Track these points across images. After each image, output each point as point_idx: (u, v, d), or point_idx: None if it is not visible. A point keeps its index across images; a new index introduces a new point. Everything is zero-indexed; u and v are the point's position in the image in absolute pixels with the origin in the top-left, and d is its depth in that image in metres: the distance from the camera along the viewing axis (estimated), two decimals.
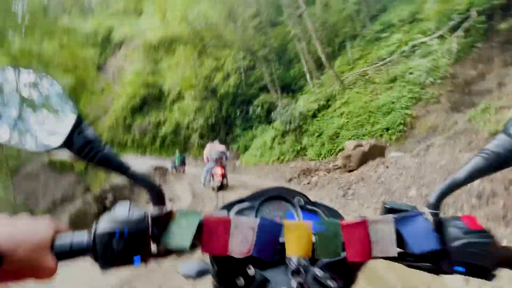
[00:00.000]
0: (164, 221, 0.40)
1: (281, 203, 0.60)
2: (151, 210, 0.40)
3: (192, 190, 6.76)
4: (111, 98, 23.62)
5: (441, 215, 0.40)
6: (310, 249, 0.39)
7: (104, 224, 0.36)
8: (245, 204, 0.59)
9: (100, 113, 23.68)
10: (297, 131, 10.52)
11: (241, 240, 0.39)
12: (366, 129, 7.99)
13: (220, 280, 0.48)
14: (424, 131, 6.94)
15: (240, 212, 0.58)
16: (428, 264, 0.41)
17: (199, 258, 0.62)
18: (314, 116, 10.35)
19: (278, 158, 10.34)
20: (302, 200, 0.60)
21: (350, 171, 5.65)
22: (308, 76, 13.05)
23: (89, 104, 24.24)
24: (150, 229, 0.38)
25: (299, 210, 0.58)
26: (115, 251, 0.35)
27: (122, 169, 0.39)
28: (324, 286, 0.43)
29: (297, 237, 0.40)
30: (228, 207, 0.58)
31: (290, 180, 6.69)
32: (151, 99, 21.64)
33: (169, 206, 0.41)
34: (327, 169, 6.48)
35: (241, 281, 0.44)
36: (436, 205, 0.40)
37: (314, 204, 0.61)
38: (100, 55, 29.68)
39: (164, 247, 0.39)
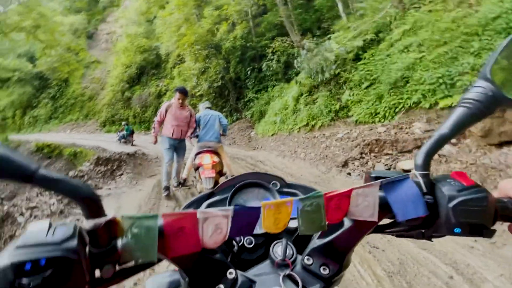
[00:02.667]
0: (105, 234, 0.29)
1: (256, 190, 0.53)
2: (85, 224, 0.28)
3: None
4: (106, 71, 20.98)
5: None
6: (286, 224, 0.35)
7: (7, 256, 0.24)
8: (215, 198, 0.52)
9: (97, 89, 21.29)
10: (332, 83, 7.31)
11: (214, 231, 0.33)
12: (463, 63, 4.65)
13: None
14: None
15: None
16: (421, 230, 0.38)
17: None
18: (357, 59, 7.00)
19: (307, 124, 7.34)
20: (278, 183, 0.55)
21: None
22: (340, 6, 9.36)
23: (81, 79, 21.98)
24: (85, 249, 0.28)
25: (276, 194, 0.52)
26: None
27: (27, 173, 0.26)
28: (315, 275, 0.38)
29: (275, 214, 0.35)
30: (194, 205, 0.50)
31: (345, 164, 3.61)
32: (149, 67, 18.72)
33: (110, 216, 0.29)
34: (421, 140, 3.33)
35: None
36: (425, 166, 0.37)
37: (292, 186, 0.56)
38: (89, 22, 26.62)
39: (113, 268, 0.30)
